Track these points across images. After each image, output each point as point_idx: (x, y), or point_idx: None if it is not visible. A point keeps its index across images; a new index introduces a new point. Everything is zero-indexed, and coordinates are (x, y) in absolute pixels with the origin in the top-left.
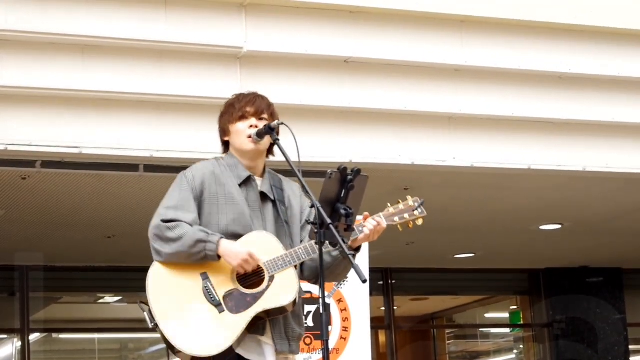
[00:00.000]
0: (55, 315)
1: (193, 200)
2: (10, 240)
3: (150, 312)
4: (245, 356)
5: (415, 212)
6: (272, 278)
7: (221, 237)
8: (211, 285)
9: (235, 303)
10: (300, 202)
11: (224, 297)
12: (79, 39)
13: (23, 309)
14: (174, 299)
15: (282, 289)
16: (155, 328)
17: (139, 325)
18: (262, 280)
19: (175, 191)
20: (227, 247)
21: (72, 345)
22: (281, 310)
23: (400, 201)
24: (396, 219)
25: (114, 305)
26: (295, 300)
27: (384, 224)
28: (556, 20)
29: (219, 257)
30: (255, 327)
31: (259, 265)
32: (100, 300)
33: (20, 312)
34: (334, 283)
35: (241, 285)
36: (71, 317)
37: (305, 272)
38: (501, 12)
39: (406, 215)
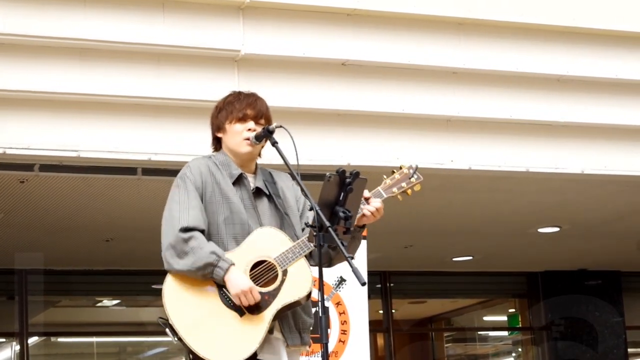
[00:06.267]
0: (54, 318)
1: (200, 199)
2: (9, 243)
3: (171, 327)
4: (260, 356)
5: (412, 179)
6: (285, 272)
7: (232, 265)
8: (227, 290)
9: (254, 304)
10: (293, 192)
11: None
12: (76, 42)
13: (22, 313)
14: (194, 310)
15: (298, 281)
16: (179, 342)
17: (137, 329)
18: (276, 277)
19: (182, 193)
20: (232, 276)
21: (71, 348)
22: (297, 304)
23: (395, 171)
24: (395, 189)
25: (112, 308)
26: (311, 290)
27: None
28: (554, 22)
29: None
30: None
31: (270, 262)
32: (99, 304)
33: (19, 316)
34: (332, 287)
35: (256, 285)
36: (70, 320)
37: (316, 258)
38: (499, 14)
39: (404, 184)
